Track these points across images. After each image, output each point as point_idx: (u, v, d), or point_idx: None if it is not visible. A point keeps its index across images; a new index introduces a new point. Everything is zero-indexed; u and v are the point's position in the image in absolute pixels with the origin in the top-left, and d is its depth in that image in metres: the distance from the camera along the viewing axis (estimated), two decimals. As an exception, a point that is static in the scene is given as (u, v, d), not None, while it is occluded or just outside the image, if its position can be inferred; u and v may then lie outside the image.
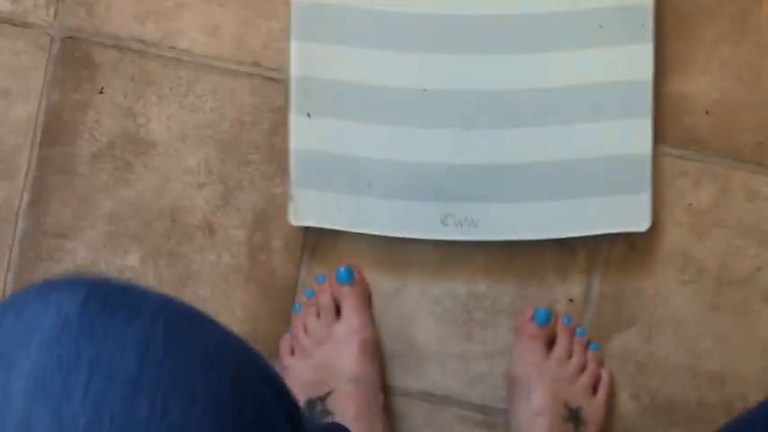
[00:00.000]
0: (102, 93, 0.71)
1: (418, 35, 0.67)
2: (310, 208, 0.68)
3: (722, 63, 0.70)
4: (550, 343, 0.68)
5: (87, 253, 0.71)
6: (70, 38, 0.71)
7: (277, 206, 0.71)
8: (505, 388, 0.69)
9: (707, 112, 0.70)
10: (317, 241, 0.71)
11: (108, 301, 0.36)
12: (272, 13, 0.71)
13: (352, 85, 0.68)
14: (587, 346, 0.69)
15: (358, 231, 0.69)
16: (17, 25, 0.71)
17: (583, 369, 0.68)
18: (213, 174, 0.71)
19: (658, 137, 0.69)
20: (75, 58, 0.71)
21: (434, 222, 0.68)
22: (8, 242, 0.72)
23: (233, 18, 0.71)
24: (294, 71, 0.68)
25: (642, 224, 0.67)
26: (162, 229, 0.71)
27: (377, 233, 0.68)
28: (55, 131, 0.71)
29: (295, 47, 0.68)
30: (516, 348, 0.68)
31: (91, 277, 0.38)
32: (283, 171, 0.70)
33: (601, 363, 0.69)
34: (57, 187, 0.71)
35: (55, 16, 0.71)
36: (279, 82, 0.70)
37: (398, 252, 0.70)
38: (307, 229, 0.70)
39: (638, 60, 0.67)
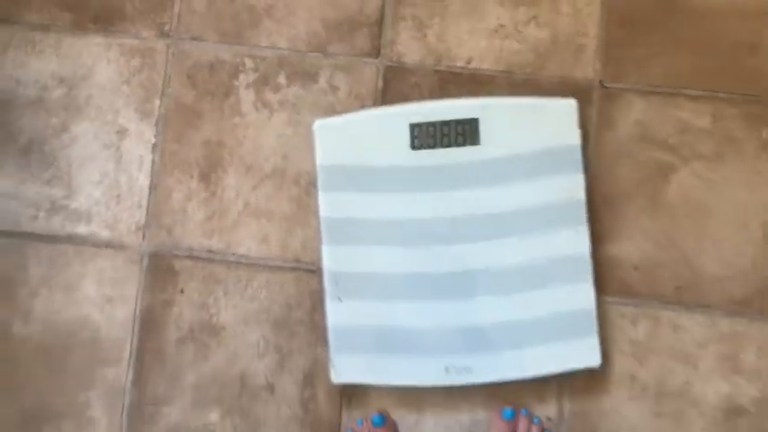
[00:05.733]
0: (182, 293, 0.94)
1: (419, 233, 0.91)
2: (346, 369, 0.91)
3: (642, 231, 0.93)
4: None
5: (179, 415, 0.93)
6: (155, 253, 0.95)
7: (320, 366, 0.93)
8: None
9: (635, 268, 0.93)
10: (352, 391, 0.93)
11: None
12: (307, 223, 0.94)
13: (371, 274, 0.91)
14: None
15: (384, 383, 0.91)
16: (115, 248, 0.95)
17: None
18: (270, 346, 0.94)
19: (600, 289, 0.92)
20: (160, 269, 0.94)
21: (440, 372, 0.90)
22: (119, 411, 0.94)
23: (277, 228, 0.95)
24: (326, 267, 0.91)
25: (594, 361, 0.90)
26: (235, 392, 0.93)
27: (398, 383, 0.91)
28: (148, 325, 0.94)
29: (325, 250, 0.91)
30: None
31: None
32: (323, 339, 0.93)
33: None
34: (152, 367, 0.94)
35: (143, 238, 0.95)
36: (315, 272, 0.94)
37: (415, 395, 0.92)
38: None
39: (579, 238, 0.90)
